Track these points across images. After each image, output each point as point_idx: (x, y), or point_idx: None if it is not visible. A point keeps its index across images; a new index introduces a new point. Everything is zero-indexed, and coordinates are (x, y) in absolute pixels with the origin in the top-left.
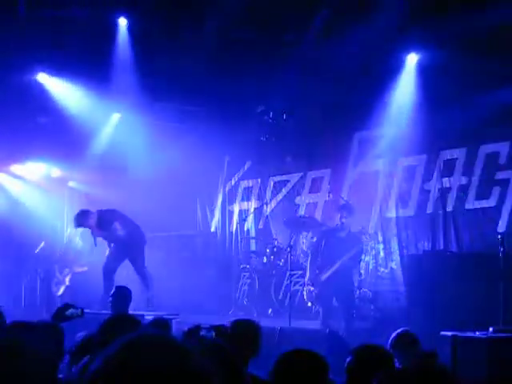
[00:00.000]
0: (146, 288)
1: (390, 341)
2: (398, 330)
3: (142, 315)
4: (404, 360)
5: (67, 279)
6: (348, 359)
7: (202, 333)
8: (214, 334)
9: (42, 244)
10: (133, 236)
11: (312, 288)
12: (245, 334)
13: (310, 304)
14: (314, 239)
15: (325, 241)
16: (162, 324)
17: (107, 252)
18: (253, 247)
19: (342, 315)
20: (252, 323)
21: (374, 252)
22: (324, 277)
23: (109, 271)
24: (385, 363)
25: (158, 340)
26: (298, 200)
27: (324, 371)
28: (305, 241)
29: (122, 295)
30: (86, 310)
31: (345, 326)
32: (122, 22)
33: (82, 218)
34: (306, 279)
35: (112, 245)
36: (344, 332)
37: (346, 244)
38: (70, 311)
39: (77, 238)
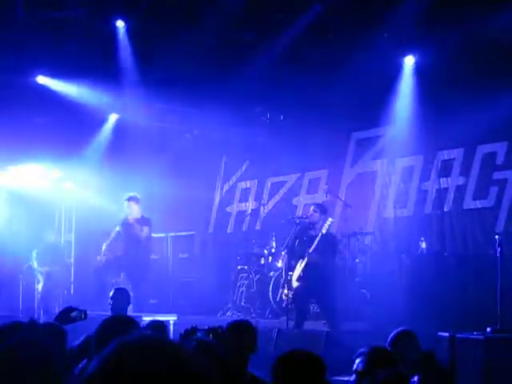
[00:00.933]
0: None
1: (389, 339)
2: (398, 329)
3: (140, 317)
4: (403, 359)
5: (41, 280)
6: (358, 361)
7: (199, 335)
8: (210, 336)
9: (41, 245)
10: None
11: (287, 291)
12: (240, 334)
13: (284, 305)
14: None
15: (298, 239)
16: (159, 326)
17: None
18: (250, 248)
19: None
20: (245, 323)
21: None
22: (295, 277)
23: (102, 273)
24: (392, 365)
25: (155, 341)
26: (295, 201)
27: (321, 371)
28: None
29: (121, 297)
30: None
31: (329, 328)
32: (120, 24)
33: (136, 199)
34: (282, 281)
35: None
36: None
37: (316, 242)
38: (74, 314)
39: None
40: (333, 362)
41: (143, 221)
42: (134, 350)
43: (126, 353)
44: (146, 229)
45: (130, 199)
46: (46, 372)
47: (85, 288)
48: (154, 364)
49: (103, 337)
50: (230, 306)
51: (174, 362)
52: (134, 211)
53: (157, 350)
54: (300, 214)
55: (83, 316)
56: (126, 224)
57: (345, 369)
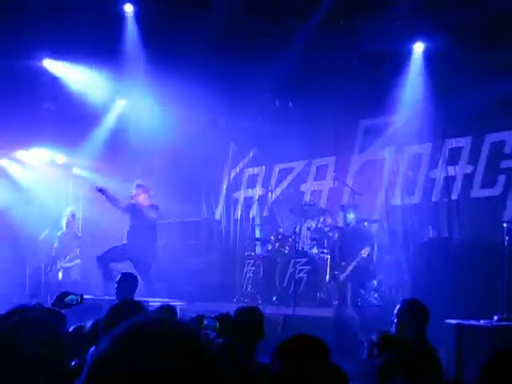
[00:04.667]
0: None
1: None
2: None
3: (147, 302)
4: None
5: (60, 274)
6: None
7: (205, 322)
8: (217, 323)
9: (47, 231)
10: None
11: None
12: (248, 321)
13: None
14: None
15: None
16: (169, 309)
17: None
18: (257, 234)
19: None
20: (254, 309)
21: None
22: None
23: (105, 259)
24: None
25: (165, 323)
26: (302, 187)
27: (324, 355)
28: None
29: (128, 282)
30: (87, 296)
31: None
32: (128, 9)
33: (145, 188)
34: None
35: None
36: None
37: (358, 241)
38: (70, 298)
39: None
40: (339, 348)
41: (152, 207)
42: (146, 332)
43: (137, 334)
44: (155, 212)
45: (138, 186)
46: (53, 349)
47: (92, 274)
48: (166, 345)
49: (112, 321)
50: (236, 292)
51: (185, 342)
52: (141, 199)
53: (167, 331)
54: (308, 199)
55: (80, 300)
56: (134, 208)
57: (351, 354)
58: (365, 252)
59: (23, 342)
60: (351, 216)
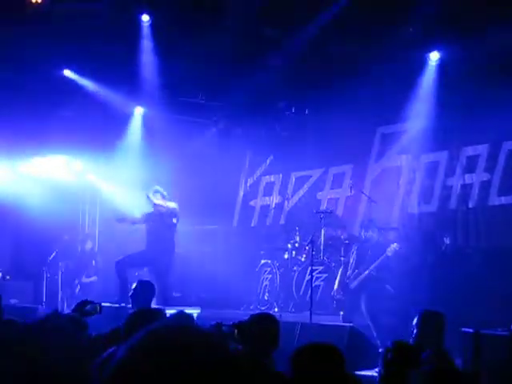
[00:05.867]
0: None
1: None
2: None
3: (163, 310)
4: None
5: (76, 290)
6: (387, 354)
7: (224, 329)
8: (236, 331)
9: (66, 238)
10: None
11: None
12: (263, 328)
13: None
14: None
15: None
16: (185, 318)
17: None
18: (274, 243)
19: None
20: (269, 317)
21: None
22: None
23: (123, 267)
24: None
25: (183, 329)
26: (319, 195)
27: (339, 363)
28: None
29: (144, 290)
30: (105, 304)
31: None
32: (145, 18)
33: (162, 194)
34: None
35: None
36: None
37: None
38: (89, 307)
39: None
40: (356, 357)
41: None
42: (163, 338)
43: (155, 341)
44: (169, 203)
45: (157, 192)
46: (71, 355)
47: (108, 280)
48: (184, 352)
49: (131, 328)
50: (253, 299)
51: (203, 349)
52: (161, 203)
53: (186, 339)
54: (325, 207)
55: (98, 309)
56: (151, 215)
57: (368, 363)
58: (392, 248)
59: (42, 347)
60: (370, 234)
